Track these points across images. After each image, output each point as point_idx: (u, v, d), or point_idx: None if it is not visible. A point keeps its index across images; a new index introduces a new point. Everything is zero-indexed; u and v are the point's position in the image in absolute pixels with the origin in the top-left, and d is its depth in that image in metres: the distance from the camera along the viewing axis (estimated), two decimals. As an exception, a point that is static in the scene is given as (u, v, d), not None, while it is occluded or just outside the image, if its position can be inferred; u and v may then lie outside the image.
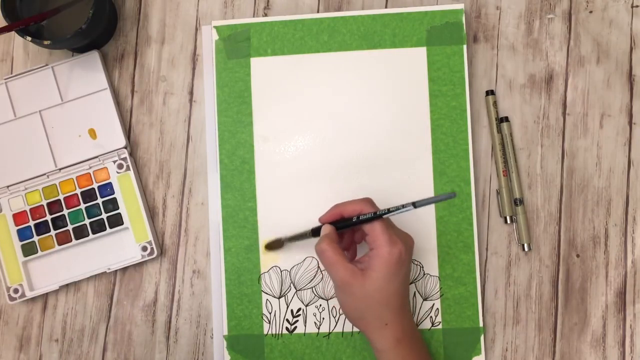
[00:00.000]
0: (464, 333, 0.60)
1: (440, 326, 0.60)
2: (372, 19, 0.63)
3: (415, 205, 0.50)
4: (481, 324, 0.60)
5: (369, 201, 0.55)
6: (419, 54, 0.62)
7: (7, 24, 0.58)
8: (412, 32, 0.62)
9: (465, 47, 0.62)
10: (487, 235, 0.62)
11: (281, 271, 0.62)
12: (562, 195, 0.63)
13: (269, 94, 0.63)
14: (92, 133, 0.64)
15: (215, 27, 0.63)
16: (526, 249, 0.62)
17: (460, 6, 0.62)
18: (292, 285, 0.62)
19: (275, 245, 0.61)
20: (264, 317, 0.61)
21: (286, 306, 0.61)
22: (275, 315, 0.61)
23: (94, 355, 0.63)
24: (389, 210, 0.52)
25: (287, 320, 0.61)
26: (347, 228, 0.55)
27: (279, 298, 0.62)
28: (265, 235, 0.62)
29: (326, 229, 0.55)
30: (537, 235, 0.62)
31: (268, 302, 0.61)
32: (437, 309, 0.61)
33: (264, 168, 0.62)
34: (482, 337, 0.60)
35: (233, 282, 0.62)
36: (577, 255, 0.62)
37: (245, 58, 0.63)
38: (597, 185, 0.62)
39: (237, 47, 0.63)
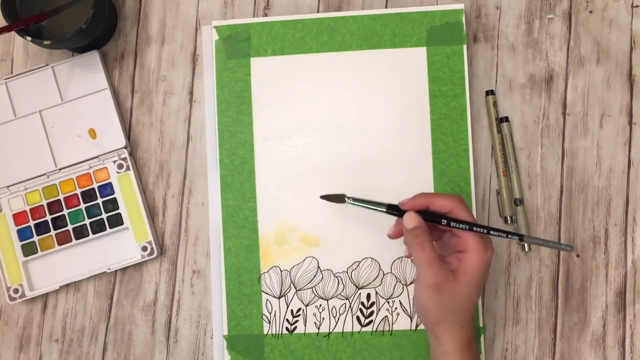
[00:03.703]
0: None
1: None
2: (372, 19, 0.63)
3: (522, 239, 0.49)
4: (481, 324, 0.60)
5: (459, 200, 0.52)
6: (419, 54, 0.62)
7: (7, 24, 0.58)
8: (412, 32, 0.62)
9: (465, 47, 0.62)
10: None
11: (281, 271, 0.62)
12: (562, 195, 0.63)
13: (268, 94, 0.63)
14: (92, 133, 0.64)
15: (215, 27, 0.63)
16: (526, 249, 0.62)
17: (460, 6, 0.62)
18: (292, 285, 0.62)
19: (335, 198, 0.56)
20: (264, 317, 0.61)
21: (286, 306, 0.61)
22: (275, 315, 0.61)
23: (94, 355, 0.63)
24: (488, 231, 0.50)
25: (287, 320, 0.61)
26: (435, 224, 0.52)
27: (279, 298, 0.62)
28: (265, 234, 0.62)
29: (414, 220, 0.51)
30: (537, 235, 0.62)
31: (268, 302, 0.62)
32: None
33: (264, 168, 0.62)
34: (482, 337, 0.60)
35: (233, 282, 0.62)
36: (577, 255, 0.62)
37: (245, 58, 0.63)
38: (597, 185, 0.62)
39: (237, 47, 0.63)
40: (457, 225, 0.51)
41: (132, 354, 0.63)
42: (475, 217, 0.61)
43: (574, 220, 0.62)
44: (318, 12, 0.65)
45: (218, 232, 0.62)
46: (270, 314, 0.61)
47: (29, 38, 0.58)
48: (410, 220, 0.52)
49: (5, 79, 0.64)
